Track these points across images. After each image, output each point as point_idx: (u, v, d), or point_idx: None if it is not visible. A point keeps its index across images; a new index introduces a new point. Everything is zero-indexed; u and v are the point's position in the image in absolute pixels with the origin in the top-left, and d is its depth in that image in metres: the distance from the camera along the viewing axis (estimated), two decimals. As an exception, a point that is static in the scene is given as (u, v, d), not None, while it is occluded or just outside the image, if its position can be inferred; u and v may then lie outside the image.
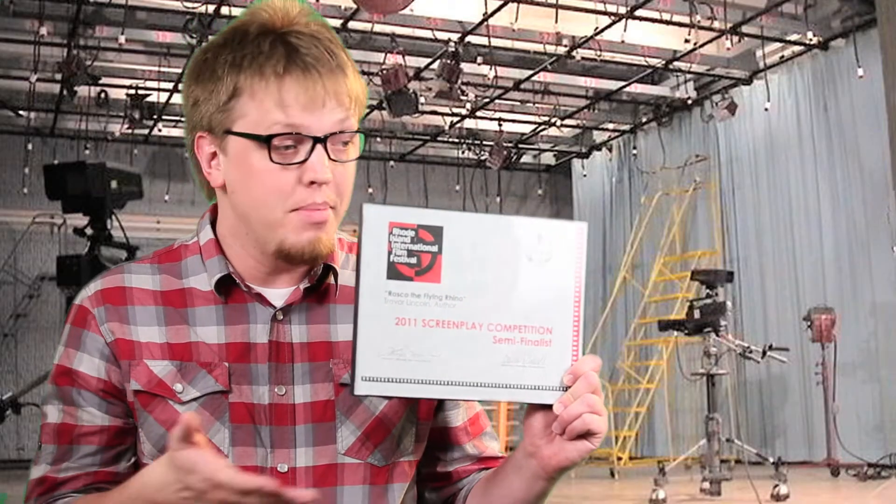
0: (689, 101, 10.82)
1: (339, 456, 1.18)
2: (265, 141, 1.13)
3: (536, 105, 11.09)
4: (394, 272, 1.04)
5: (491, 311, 1.07)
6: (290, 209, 1.14)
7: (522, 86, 10.24)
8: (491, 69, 9.13)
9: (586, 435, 1.10)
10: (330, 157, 1.14)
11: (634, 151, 12.25)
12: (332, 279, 1.23)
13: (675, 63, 9.80)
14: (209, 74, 1.16)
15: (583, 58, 9.47)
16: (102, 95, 9.99)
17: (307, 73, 1.12)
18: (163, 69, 9.31)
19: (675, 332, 7.97)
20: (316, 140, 1.13)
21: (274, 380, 1.17)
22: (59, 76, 9.18)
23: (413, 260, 1.05)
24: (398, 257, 1.04)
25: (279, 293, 1.21)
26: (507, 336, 1.08)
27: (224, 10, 7.97)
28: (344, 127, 1.15)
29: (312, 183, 1.13)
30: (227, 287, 1.20)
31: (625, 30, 8.73)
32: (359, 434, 1.19)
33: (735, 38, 9.18)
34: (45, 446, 1.21)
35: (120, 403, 1.19)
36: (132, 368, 1.17)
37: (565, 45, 9.30)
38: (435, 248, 1.05)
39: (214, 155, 1.18)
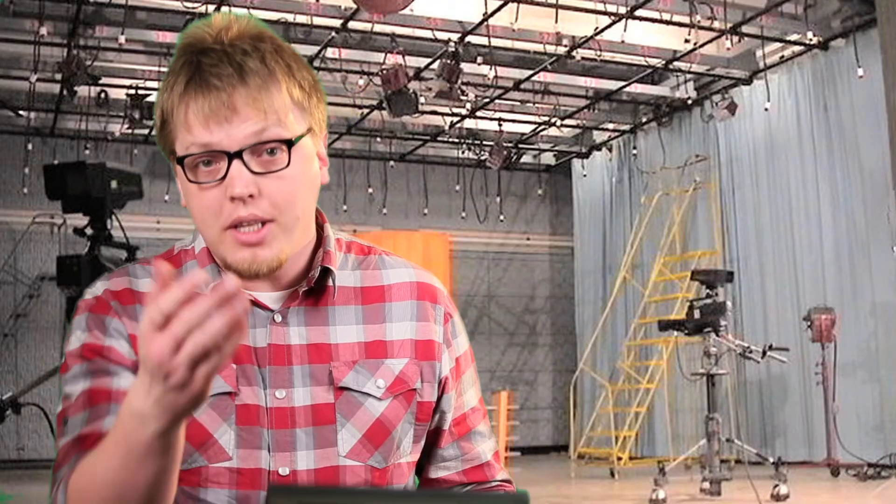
0: (689, 101, 10.82)
1: (340, 458, 1.18)
2: (179, 162, 1.14)
3: (536, 105, 11.09)
4: None
5: None
6: (224, 226, 1.13)
7: (522, 86, 10.24)
8: (491, 69, 9.12)
9: None
10: (252, 171, 1.12)
11: (634, 151, 12.25)
12: (329, 281, 1.22)
13: (675, 63, 9.80)
14: (156, 101, 1.19)
15: (583, 58, 9.47)
16: (102, 95, 9.98)
17: (206, 91, 1.11)
18: (163, 69, 9.28)
19: (675, 332, 7.97)
20: (231, 155, 1.12)
21: (273, 383, 1.17)
22: (59, 76, 9.18)
23: None
24: None
25: (276, 296, 1.20)
26: None
27: (224, 10, 7.97)
28: (262, 138, 1.12)
29: (234, 199, 1.12)
30: None
31: (625, 30, 8.73)
32: (359, 437, 1.19)
33: (735, 38, 9.17)
34: (74, 418, 1.13)
35: None
36: None
37: (565, 45, 9.30)
38: None
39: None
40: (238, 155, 1.12)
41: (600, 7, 8.43)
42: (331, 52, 9.03)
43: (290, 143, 1.14)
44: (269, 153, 1.13)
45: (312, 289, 1.21)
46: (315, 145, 1.20)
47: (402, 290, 1.27)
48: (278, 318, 1.19)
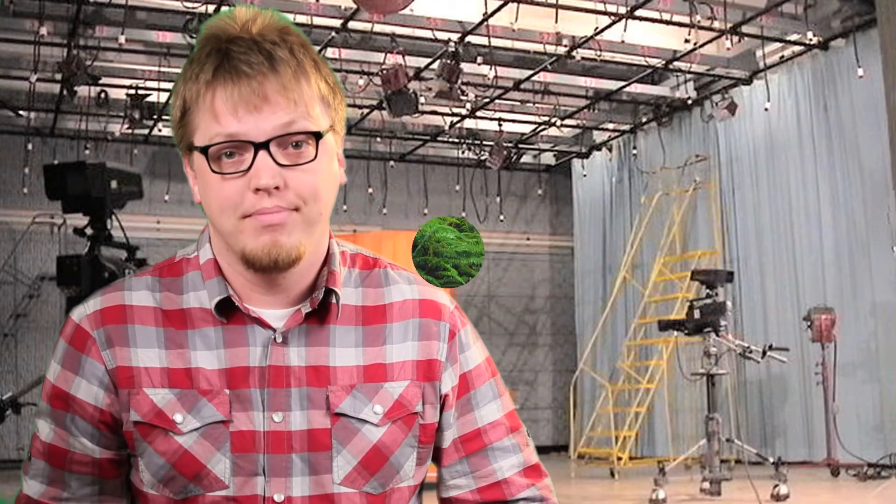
0: (689, 101, 10.82)
1: (335, 486, 1.16)
2: (203, 152, 1.11)
3: (536, 105, 11.09)
4: None
5: None
6: (243, 216, 1.11)
7: (522, 86, 10.24)
8: (491, 69, 9.12)
9: None
10: (278, 163, 1.10)
11: (634, 151, 12.25)
12: (333, 299, 1.19)
13: (675, 63, 9.80)
14: (174, 91, 1.16)
15: (583, 58, 9.47)
16: (102, 95, 9.98)
17: (236, 78, 1.09)
18: (163, 69, 9.30)
19: (675, 332, 7.97)
20: (257, 146, 1.09)
21: (271, 406, 1.14)
22: (59, 76, 9.18)
23: None
24: None
25: (278, 315, 1.17)
26: None
27: (224, 10, 7.96)
28: (291, 129, 1.10)
29: (259, 190, 1.09)
30: (227, 309, 1.17)
31: (625, 30, 8.73)
32: (355, 464, 1.16)
33: (735, 38, 9.17)
34: (36, 461, 1.19)
35: (113, 436, 1.17)
36: (131, 398, 1.15)
37: (565, 45, 9.30)
38: None
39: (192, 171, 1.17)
40: (265, 146, 1.09)
41: (600, 7, 8.43)
42: (331, 52, 9.03)
43: (318, 136, 1.12)
44: (294, 146, 1.11)
45: (315, 309, 1.18)
46: (336, 144, 1.19)
47: (404, 310, 1.23)
48: (279, 338, 1.16)
